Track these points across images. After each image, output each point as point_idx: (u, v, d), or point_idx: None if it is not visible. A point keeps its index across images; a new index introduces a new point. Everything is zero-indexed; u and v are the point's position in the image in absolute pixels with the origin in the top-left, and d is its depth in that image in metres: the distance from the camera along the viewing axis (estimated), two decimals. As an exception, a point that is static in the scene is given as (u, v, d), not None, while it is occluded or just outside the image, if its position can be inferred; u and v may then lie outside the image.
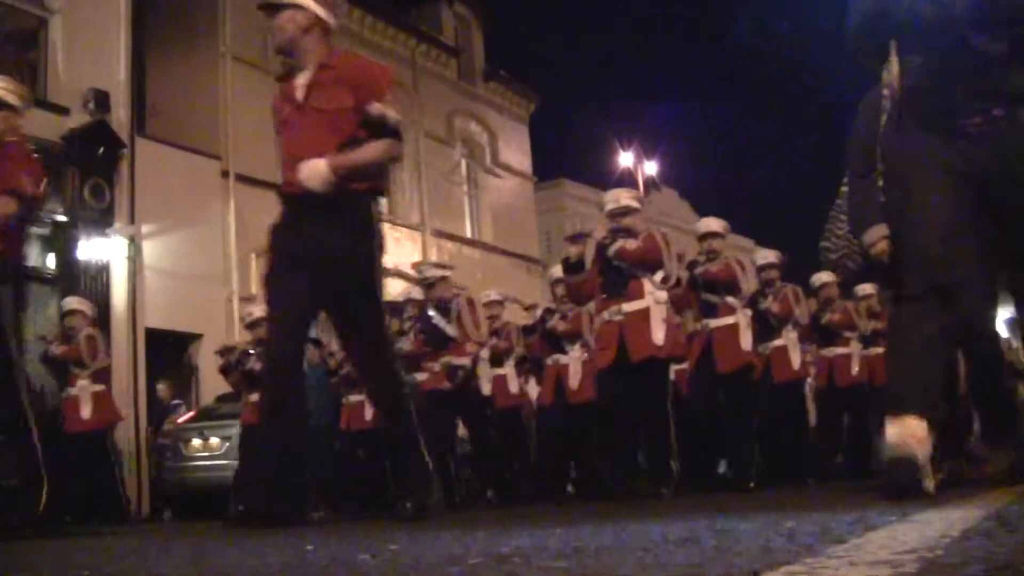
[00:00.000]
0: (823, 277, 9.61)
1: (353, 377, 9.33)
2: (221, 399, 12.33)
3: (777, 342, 9.10)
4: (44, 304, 12.47)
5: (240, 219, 15.85)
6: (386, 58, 19.36)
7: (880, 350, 9.64)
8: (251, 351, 9.47)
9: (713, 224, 8.31)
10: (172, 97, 16.82)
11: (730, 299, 7.83)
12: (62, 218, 13.24)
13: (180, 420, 12.61)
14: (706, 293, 7.89)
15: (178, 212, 15.05)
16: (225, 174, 16.11)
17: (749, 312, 8.08)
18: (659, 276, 6.88)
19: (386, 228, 16.46)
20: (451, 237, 20.69)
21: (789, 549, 1.75)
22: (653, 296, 6.80)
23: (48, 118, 12.89)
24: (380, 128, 4.22)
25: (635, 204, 7.10)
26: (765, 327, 8.90)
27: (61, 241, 13.35)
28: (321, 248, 4.22)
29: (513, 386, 9.61)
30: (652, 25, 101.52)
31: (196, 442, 11.62)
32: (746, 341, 7.83)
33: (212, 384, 13.43)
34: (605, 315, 6.95)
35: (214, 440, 11.45)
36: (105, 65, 14.14)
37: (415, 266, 9.78)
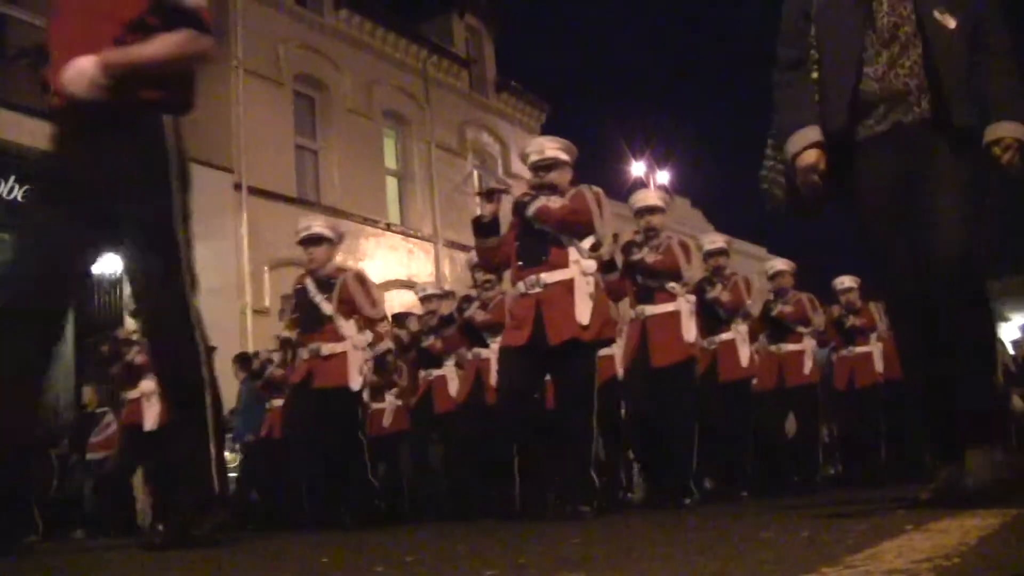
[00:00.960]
0: (777, 265, 9.12)
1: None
2: (234, 412, 12.33)
3: (724, 336, 7.99)
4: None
5: (253, 232, 15.87)
6: (397, 69, 19.44)
7: (863, 349, 9.56)
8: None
9: (651, 198, 7.32)
10: (184, 110, 16.86)
11: (671, 285, 6.82)
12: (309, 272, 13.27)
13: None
14: (645, 279, 6.88)
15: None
16: (238, 187, 16.14)
17: (693, 299, 7.05)
18: (587, 243, 5.65)
19: (399, 240, 16.40)
20: (464, 248, 20.68)
21: (806, 557, 1.75)
22: (579, 266, 5.55)
23: (61, 133, 12.97)
24: (173, 15, 3.33)
25: (564, 157, 5.90)
26: (713, 319, 7.94)
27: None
28: (94, 175, 3.35)
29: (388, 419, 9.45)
30: (663, 34, 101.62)
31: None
32: (689, 332, 6.83)
33: (224, 397, 13.43)
34: (521, 286, 5.61)
35: (226, 453, 11.44)
36: (118, 79, 14.20)
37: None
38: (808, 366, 8.86)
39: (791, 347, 8.90)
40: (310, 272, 7.21)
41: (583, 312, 5.46)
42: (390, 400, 9.73)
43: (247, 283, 15.78)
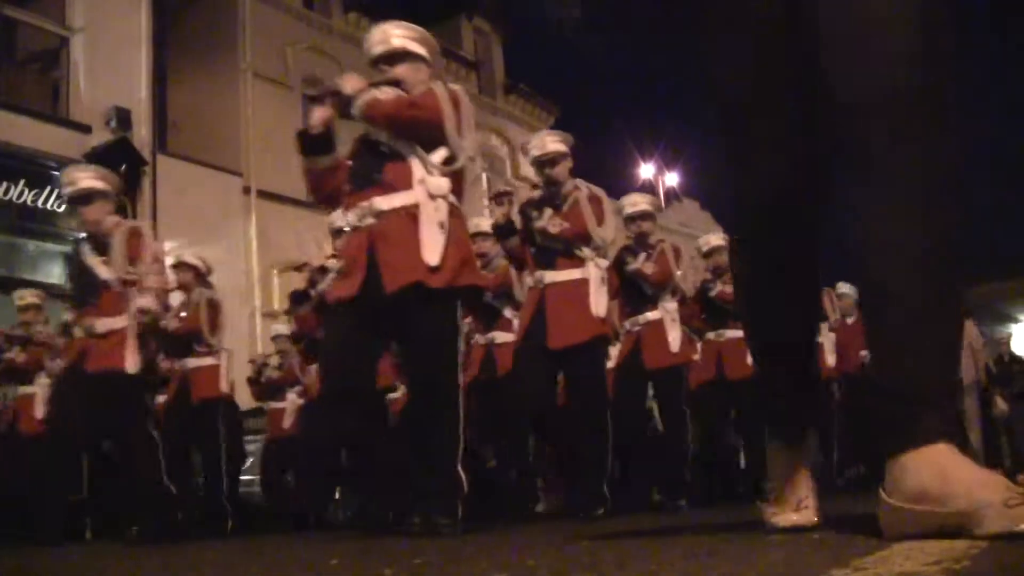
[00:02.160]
0: (712, 240, 7.88)
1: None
2: (244, 415, 12.33)
3: (651, 315, 6.73)
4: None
5: (262, 235, 15.92)
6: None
7: None
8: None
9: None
10: (194, 114, 16.92)
11: (583, 250, 5.92)
12: (84, 235, 13.31)
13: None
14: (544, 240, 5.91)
15: (200, 229, 15.11)
16: (247, 190, 16.18)
17: (604, 263, 6.09)
18: (439, 156, 4.25)
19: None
20: (472, 250, 20.69)
21: (816, 559, 1.75)
22: (425, 185, 4.18)
23: (70, 136, 13.01)
24: None
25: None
26: (637, 297, 6.83)
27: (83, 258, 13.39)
28: None
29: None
30: (672, 37, 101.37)
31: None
32: (598, 305, 5.80)
33: (235, 399, 13.45)
34: (351, 217, 4.33)
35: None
36: (127, 83, 14.25)
37: None
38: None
39: (732, 334, 7.55)
40: (87, 236, 6.11)
41: (431, 249, 4.11)
42: (292, 399, 9.24)
43: (256, 286, 15.82)
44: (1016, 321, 26.35)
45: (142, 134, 14.24)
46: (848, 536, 2.20)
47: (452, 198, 4.26)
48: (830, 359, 8.90)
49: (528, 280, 5.98)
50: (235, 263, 15.80)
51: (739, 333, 6.97)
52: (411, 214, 4.14)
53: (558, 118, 24.44)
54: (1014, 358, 13.27)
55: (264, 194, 16.21)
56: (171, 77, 16.59)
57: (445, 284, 4.09)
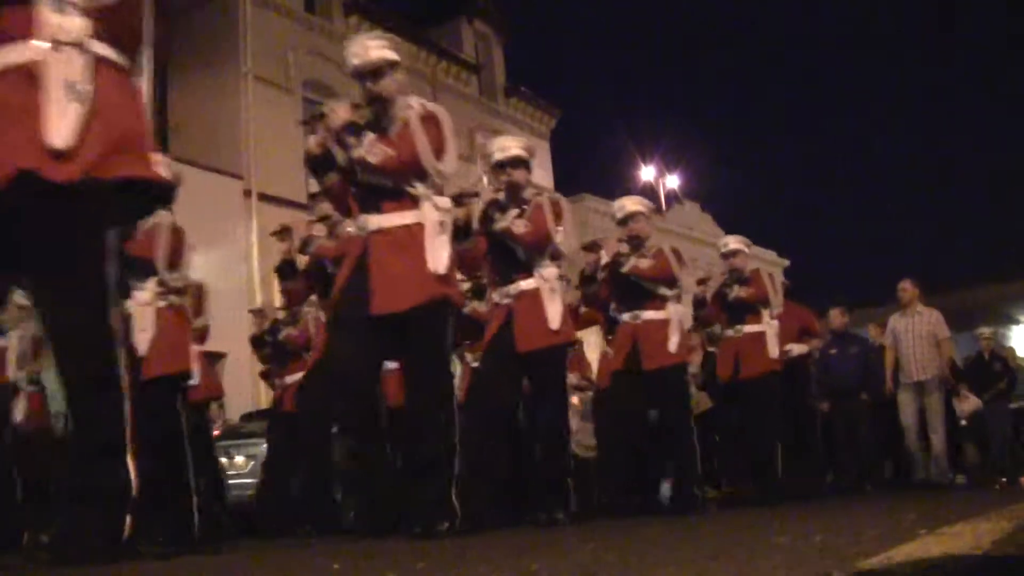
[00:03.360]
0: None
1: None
2: (246, 418, 12.33)
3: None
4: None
5: (263, 238, 15.90)
6: (407, 75, 19.47)
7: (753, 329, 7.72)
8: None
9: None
10: (194, 117, 16.93)
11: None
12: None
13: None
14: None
15: (201, 232, 15.03)
16: (247, 194, 16.19)
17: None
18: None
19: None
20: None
21: (819, 562, 1.75)
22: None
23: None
24: None
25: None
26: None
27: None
28: None
29: None
30: (671, 39, 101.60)
31: (222, 460, 11.58)
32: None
33: (237, 402, 13.45)
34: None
35: (239, 459, 11.37)
36: (128, 86, 14.25)
37: None
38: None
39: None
40: None
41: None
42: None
43: (257, 288, 15.83)
44: (1017, 323, 26.37)
45: (143, 137, 14.25)
46: (852, 539, 2.20)
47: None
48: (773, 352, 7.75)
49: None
50: (236, 266, 15.81)
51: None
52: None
53: (559, 121, 24.46)
54: (996, 356, 12.37)
55: (265, 197, 16.22)
56: (172, 80, 16.62)
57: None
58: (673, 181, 28.27)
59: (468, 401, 5.75)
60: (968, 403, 11.88)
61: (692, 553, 2.19)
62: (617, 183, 26.85)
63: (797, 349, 8.77)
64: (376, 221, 4.32)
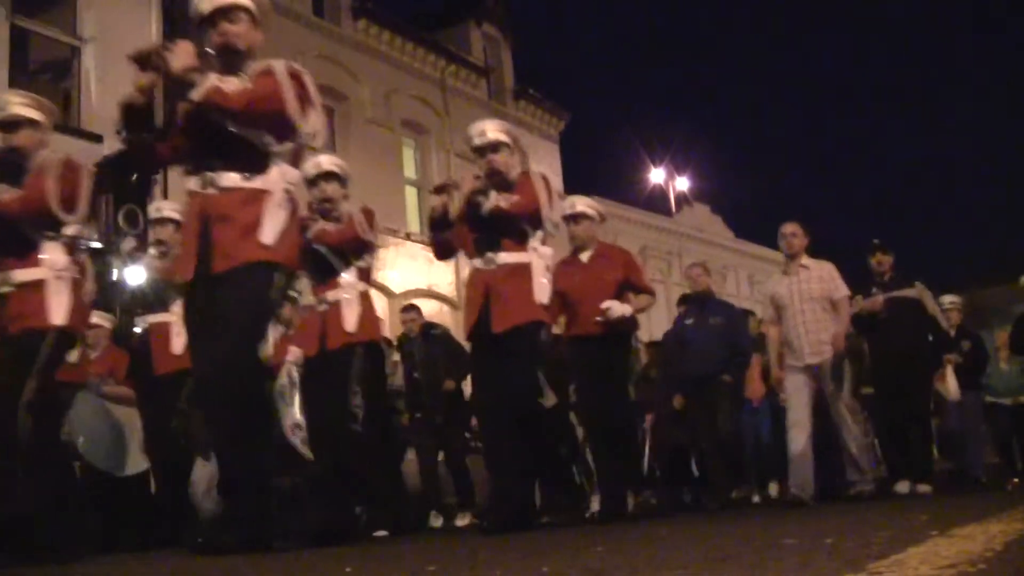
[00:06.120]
0: (578, 205, 6.83)
1: None
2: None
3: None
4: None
5: (273, 242, 15.98)
6: (415, 79, 19.49)
7: None
8: None
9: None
10: (204, 123, 16.95)
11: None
12: (97, 244, 13.36)
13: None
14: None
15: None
16: (257, 198, 16.26)
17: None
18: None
19: (419, 249, 16.31)
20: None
21: (831, 564, 1.74)
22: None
23: (81, 146, 13.01)
24: None
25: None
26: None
27: (96, 267, 13.44)
28: None
29: None
30: (681, 41, 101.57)
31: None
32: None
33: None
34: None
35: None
36: (138, 92, 14.27)
37: None
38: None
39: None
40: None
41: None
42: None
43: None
44: None
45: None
46: (863, 540, 2.20)
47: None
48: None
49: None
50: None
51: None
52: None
53: (568, 123, 24.44)
54: (964, 332, 9.90)
55: (274, 201, 16.30)
56: (182, 86, 16.64)
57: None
58: (683, 183, 28.21)
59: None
60: (951, 383, 8.99)
61: (701, 555, 2.19)
62: (627, 185, 26.83)
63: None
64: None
